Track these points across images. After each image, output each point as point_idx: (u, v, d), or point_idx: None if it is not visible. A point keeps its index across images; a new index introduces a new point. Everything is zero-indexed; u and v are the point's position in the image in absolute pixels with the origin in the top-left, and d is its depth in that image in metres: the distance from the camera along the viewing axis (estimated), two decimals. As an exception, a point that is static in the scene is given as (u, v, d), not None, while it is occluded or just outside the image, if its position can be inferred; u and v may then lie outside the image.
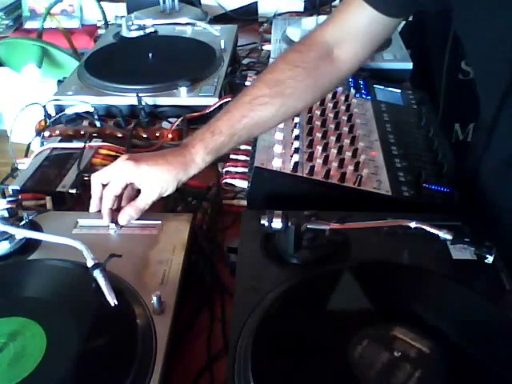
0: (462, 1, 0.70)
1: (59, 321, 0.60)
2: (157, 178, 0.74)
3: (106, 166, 0.78)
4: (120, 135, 1.04)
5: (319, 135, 0.92)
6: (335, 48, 0.80)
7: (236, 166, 0.92)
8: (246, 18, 1.69)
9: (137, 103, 1.07)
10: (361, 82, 1.15)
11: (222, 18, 1.70)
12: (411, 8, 0.83)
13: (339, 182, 0.81)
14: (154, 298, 0.61)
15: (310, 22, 1.43)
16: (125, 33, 1.40)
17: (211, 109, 1.05)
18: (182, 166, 0.75)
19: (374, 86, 1.15)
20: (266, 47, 1.42)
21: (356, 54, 0.82)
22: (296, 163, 0.83)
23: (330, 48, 0.80)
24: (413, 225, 0.65)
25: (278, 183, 0.83)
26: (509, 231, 0.74)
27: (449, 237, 0.64)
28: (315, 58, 0.80)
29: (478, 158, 0.80)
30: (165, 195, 0.76)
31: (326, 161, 0.85)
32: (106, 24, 1.72)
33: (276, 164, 0.83)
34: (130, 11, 1.67)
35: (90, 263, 0.63)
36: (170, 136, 1.03)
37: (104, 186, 0.75)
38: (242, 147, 0.94)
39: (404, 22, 1.50)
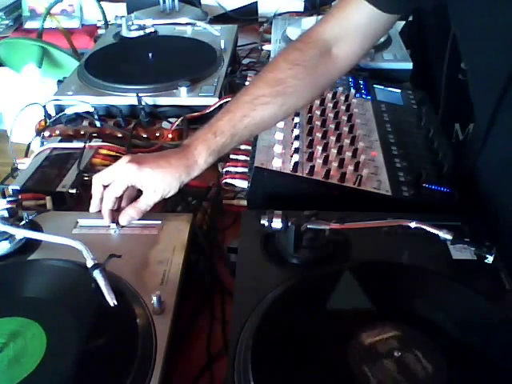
0: None
1: (59, 321, 0.60)
2: (159, 181, 0.73)
3: (106, 165, 0.78)
4: (120, 135, 1.04)
5: (319, 135, 0.92)
6: (334, 45, 0.80)
7: (236, 166, 0.92)
8: (246, 18, 1.70)
9: (137, 103, 1.07)
10: (361, 82, 1.15)
11: (222, 18, 1.70)
12: (410, 4, 0.83)
13: (339, 182, 0.81)
14: (154, 298, 0.61)
15: (309, 22, 1.42)
16: (125, 33, 1.40)
17: (211, 109, 1.05)
18: (185, 168, 0.75)
19: (374, 85, 1.15)
20: (266, 47, 1.42)
21: (354, 51, 0.82)
22: (296, 163, 0.83)
23: (329, 45, 0.80)
24: (413, 225, 0.65)
25: (278, 183, 0.83)
26: (509, 231, 0.74)
27: (449, 237, 0.64)
28: (315, 55, 0.80)
29: (474, 157, 0.80)
30: (167, 197, 0.76)
31: (326, 161, 0.85)
32: (106, 24, 1.72)
33: (276, 164, 0.83)
34: (129, 11, 1.67)
35: (89, 263, 0.63)
36: (170, 136, 1.03)
37: (105, 186, 0.75)
38: (242, 147, 0.94)
39: (404, 22, 1.50)
